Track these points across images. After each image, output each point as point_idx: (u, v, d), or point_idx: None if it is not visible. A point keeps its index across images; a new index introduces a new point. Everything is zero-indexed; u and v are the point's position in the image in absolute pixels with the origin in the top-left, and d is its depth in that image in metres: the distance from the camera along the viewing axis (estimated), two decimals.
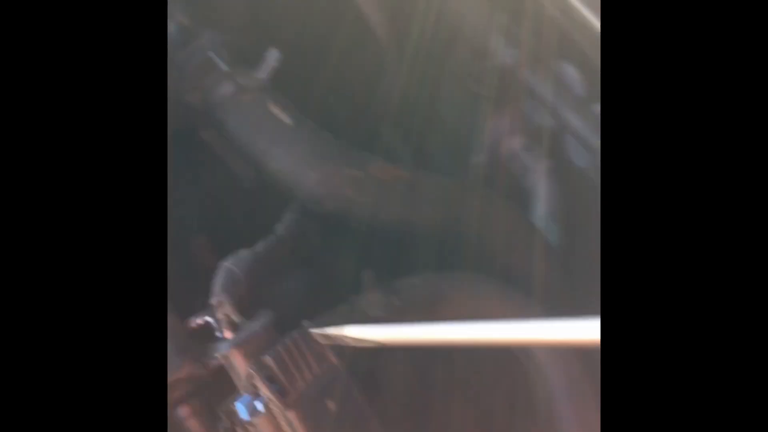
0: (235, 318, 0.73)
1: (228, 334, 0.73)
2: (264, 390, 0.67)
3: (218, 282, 0.75)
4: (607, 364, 0.49)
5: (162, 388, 0.68)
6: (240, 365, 0.71)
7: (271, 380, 0.68)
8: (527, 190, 1.18)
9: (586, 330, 0.47)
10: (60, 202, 0.55)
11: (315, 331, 0.68)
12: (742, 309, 0.48)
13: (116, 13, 0.57)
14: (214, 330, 0.76)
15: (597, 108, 0.99)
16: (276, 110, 0.85)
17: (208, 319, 0.76)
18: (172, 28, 0.88)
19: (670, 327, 0.49)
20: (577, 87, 1.09)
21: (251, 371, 0.68)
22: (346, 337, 0.65)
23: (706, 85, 0.51)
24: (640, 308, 0.49)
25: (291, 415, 0.67)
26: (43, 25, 0.55)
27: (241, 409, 0.69)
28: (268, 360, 0.68)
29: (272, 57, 0.86)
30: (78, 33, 0.56)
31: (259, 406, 0.68)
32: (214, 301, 0.74)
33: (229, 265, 0.76)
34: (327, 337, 0.67)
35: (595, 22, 0.81)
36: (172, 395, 0.77)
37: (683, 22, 0.51)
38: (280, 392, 0.68)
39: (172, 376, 0.74)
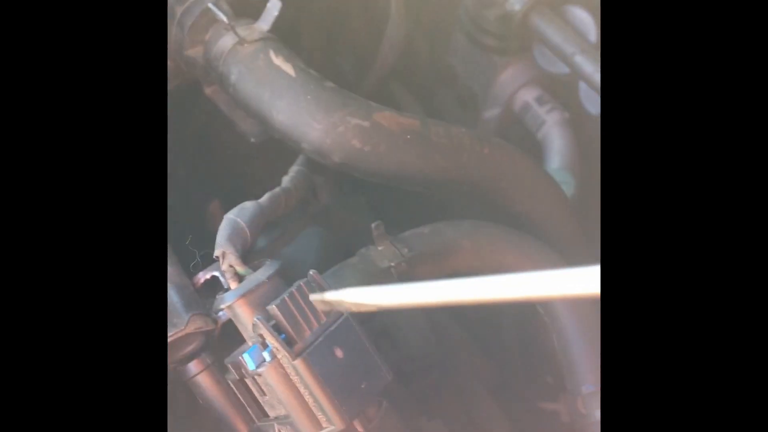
0: (240, 269, 0.72)
1: (234, 285, 0.72)
2: (270, 340, 0.66)
3: (222, 233, 0.74)
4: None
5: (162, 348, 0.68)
6: (246, 316, 0.70)
7: (277, 330, 0.67)
8: (541, 143, 1.15)
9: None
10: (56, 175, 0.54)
11: (313, 297, 0.67)
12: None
13: None
14: (222, 284, 0.75)
15: None
16: (279, 61, 0.83)
17: (216, 273, 0.76)
18: None
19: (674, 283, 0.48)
20: (589, 32, 1.06)
21: (257, 321, 0.67)
22: (344, 302, 0.62)
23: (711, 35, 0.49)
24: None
25: (298, 364, 0.66)
26: None
27: (248, 360, 0.68)
28: (274, 309, 0.67)
29: (274, 6, 0.84)
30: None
31: (267, 356, 0.67)
32: (218, 252, 0.73)
33: (232, 216, 0.75)
34: (325, 303, 0.65)
35: None
36: (183, 351, 0.77)
37: None
38: (287, 341, 0.66)
39: (181, 332, 0.73)
